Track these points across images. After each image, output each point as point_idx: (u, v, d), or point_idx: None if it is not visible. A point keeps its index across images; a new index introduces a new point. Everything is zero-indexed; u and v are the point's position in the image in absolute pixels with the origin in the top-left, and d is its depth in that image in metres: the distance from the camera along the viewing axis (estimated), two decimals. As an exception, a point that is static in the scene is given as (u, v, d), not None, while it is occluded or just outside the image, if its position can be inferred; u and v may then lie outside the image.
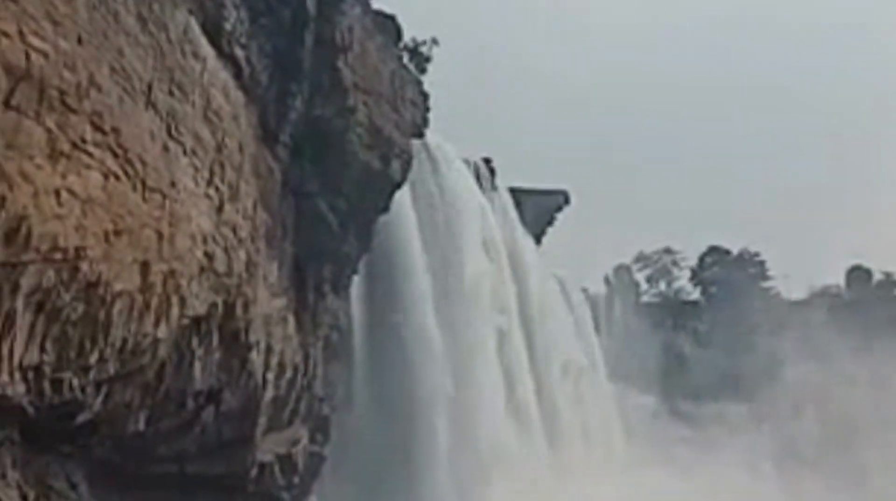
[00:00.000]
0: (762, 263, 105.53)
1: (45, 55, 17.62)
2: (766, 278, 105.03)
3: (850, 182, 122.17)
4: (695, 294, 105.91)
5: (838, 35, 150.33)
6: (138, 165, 21.90)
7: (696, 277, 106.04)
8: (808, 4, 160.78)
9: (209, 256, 27.00)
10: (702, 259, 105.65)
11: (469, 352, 55.31)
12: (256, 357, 32.60)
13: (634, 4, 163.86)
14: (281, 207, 37.84)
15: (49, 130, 18.17)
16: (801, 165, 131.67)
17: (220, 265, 28.11)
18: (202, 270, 26.64)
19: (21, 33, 16.91)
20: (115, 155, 20.79)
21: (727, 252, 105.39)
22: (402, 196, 53.25)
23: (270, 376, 34.41)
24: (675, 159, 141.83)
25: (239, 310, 30.41)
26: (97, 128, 19.82)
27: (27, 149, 17.60)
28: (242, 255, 30.66)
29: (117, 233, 21.07)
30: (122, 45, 20.91)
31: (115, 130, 20.57)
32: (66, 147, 18.80)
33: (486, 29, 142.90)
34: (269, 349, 34.04)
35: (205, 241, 26.69)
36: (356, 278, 49.49)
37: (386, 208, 48.88)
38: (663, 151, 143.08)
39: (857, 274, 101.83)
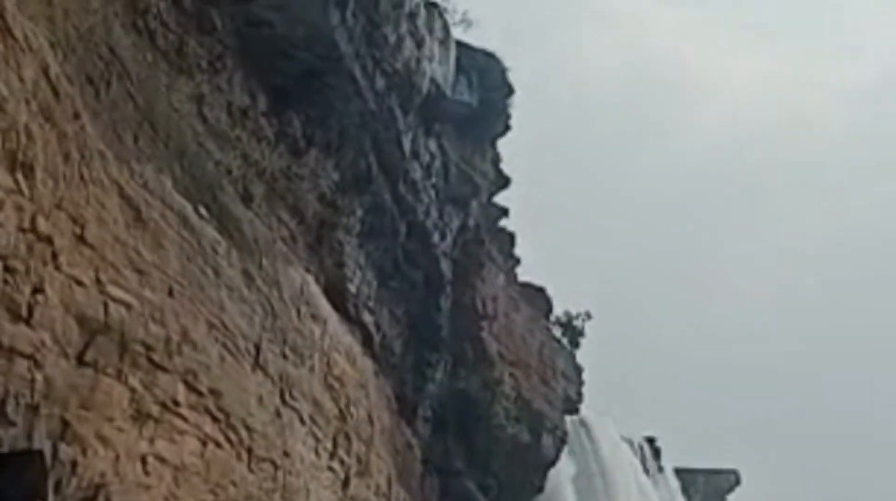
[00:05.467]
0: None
1: (128, 307, 16.13)
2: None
3: None
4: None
5: None
6: (243, 432, 20.00)
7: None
8: None
9: (333, 535, 24.60)
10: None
11: None
12: None
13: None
14: (423, 485, 35.42)
15: (133, 390, 16.43)
16: None
17: (347, 546, 25.62)
18: (325, 551, 24.21)
19: (98, 282, 15.49)
20: (215, 419, 18.95)
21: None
22: (560, 475, 50.17)
23: None
24: (858, 435, 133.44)
25: None
26: (192, 389, 18.08)
27: (106, 410, 15.83)
28: (375, 536, 28.14)
29: (217, 506, 18.95)
30: (224, 300, 19.45)
31: (214, 392, 18.81)
32: (153, 409, 17.01)
33: (644, 305, 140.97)
34: None
35: (327, 518, 24.37)
36: (512, 565, 45.83)
37: (541, 488, 45.80)
38: (843, 426, 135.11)
39: None
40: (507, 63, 38.92)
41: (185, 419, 17.95)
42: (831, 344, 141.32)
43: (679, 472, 70.80)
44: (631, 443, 63.29)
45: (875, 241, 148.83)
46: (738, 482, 79.45)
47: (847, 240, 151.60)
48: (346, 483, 25.93)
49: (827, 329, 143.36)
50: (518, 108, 40.13)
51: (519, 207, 47.66)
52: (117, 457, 16.14)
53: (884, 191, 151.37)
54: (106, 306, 15.59)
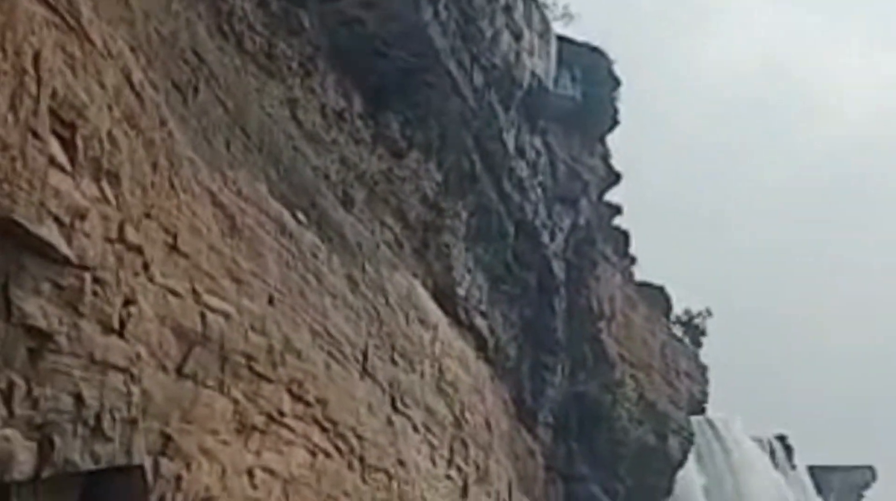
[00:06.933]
0: None
1: (226, 317, 15.71)
2: None
3: None
4: None
5: None
6: (353, 441, 19.50)
7: None
8: None
9: (453, 544, 23.97)
10: None
11: None
12: None
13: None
14: (546, 492, 34.63)
15: (236, 401, 16.01)
16: None
17: (469, 555, 24.97)
18: (446, 560, 23.60)
19: (194, 292, 15.08)
20: (324, 429, 18.49)
21: None
22: (689, 477, 48.85)
23: None
24: None
25: None
26: (298, 398, 17.62)
27: (209, 422, 15.43)
28: (498, 544, 27.45)
29: (330, 517, 18.46)
30: (327, 307, 18.97)
31: (321, 401, 18.33)
32: (259, 420, 16.59)
33: (768, 302, 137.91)
34: None
35: (446, 527, 23.75)
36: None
37: (669, 491, 44.53)
38: None
39: None
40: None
41: (291, 429, 17.52)
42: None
43: (812, 470, 68.93)
44: (761, 442, 61.75)
45: None
46: (874, 478, 77.06)
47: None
48: (464, 492, 25.30)
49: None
50: (627, 104, 39.22)
51: (633, 204, 46.63)
52: (223, 471, 15.73)
53: None
54: (203, 316, 15.17)
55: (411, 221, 24.06)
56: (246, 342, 16.16)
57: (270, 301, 17.06)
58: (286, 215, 18.13)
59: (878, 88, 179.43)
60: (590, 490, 38.18)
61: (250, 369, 16.32)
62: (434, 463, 23.63)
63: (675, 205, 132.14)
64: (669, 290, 52.88)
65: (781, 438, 66.36)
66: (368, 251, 21.41)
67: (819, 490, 67.46)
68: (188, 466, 14.96)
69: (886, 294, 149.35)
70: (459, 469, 25.13)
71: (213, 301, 15.43)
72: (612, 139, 39.85)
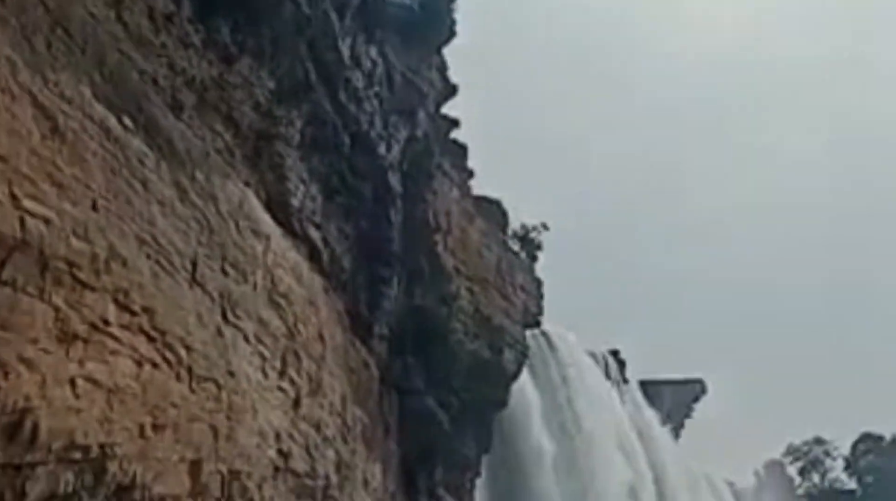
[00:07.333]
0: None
1: (47, 222, 15.23)
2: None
3: None
4: (850, 484, 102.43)
5: None
6: (182, 351, 19.23)
7: (850, 466, 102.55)
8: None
9: (284, 455, 23.96)
10: (854, 447, 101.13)
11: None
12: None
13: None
14: (381, 404, 34.89)
15: (57, 309, 15.60)
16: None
17: (301, 465, 25.02)
18: (277, 470, 23.59)
19: (13, 196, 14.57)
20: (150, 339, 18.15)
21: (880, 438, 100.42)
22: (524, 389, 49.94)
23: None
24: (823, 344, 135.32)
25: (330, 515, 27.15)
26: (123, 307, 17.25)
27: (28, 331, 15.00)
28: (331, 454, 27.59)
29: (157, 427, 18.23)
30: (155, 215, 18.56)
31: (148, 311, 17.98)
32: (81, 329, 16.19)
33: (607, 217, 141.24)
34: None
35: (278, 438, 23.72)
36: (480, 481, 45.55)
37: (504, 403, 45.45)
38: (807, 334, 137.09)
39: None
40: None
41: (116, 339, 17.16)
42: (789, 252, 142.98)
43: (645, 384, 71.22)
44: (594, 356, 63.24)
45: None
46: (703, 391, 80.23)
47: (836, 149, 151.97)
48: (297, 403, 25.28)
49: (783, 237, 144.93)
50: (470, 13, 39.17)
51: (475, 117, 46.78)
52: (43, 380, 15.37)
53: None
54: (22, 221, 14.74)
55: (243, 129, 23.61)
56: (68, 249, 15.73)
57: (94, 207, 16.61)
58: (112, 120, 17.61)
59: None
60: (424, 402, 38.60)
61: (73, 276, 15.90)
62: (265, 375, 23.52)
63: (523, 115, 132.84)
64: (509, 205, 53.41)
65: (614, 352, 68.30)
66: (198, 159, 20.98)
67: (651, 404, 69.85)
68: (6, 375, 14.60)
69: (726, 208, 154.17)
70: (292, 381, 25.08)
71: (33, 206, 14.98)
72: (455, 48, 39.80)
